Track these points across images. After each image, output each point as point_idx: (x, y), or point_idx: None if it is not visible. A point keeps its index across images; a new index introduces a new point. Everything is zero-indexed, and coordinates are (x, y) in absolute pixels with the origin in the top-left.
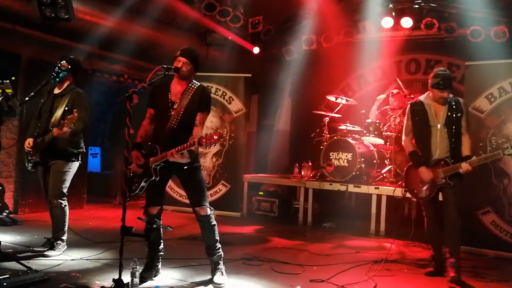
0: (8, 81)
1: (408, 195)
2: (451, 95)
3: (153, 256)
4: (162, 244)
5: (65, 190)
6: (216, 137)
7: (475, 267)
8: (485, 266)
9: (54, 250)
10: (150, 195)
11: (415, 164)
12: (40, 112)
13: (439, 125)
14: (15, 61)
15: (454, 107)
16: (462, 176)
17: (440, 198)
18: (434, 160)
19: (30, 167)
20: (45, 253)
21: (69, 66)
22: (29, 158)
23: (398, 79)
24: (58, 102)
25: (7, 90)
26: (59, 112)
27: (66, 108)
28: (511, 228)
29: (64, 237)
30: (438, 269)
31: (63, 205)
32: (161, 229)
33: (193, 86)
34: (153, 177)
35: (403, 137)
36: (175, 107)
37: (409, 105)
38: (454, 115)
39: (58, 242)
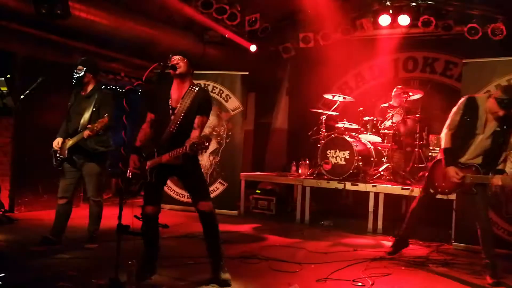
0: (3, 79)
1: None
2: None
3: (150, 255)
4: (159, 242)
5: (101, 188)
6: (208, 143)
7: (473, 264)
8: (480, 263)
9: (95, 242)
10: (147, 194)
11: (447, 162)
12: (69, 114)
13: (484, 135)
14: (10, 59)
15: (505, 120)
16: (486, 186)
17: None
18: (465, 164)
19: (56, 165)
20: (86, 245)
21: (84, 68)
22: (57, 156)
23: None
24: (85, 103)
25: (2, 88)
26: (87, 114)
27: (94, 109)
28: (508, 225)
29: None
30: (399, 245)
31: (101, 201)
32: (159, 228)
33: (193, 89)
34: (148, 180)
35: (445, 130)
36: (174, 112)
37: (465, 99)
38: (502, 129)
39: (96, 234)
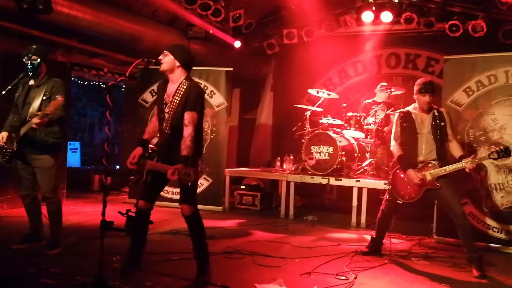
0: None
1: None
2: (435, 107)
3: (136, 250)
4: (146, 239)
5: (56, 184)
6: (192, 177)
7: (453, 257)
8: (463, 257)
9: (56, 247)
10: (143, 190)
11: (403, 167)
12: (16, 106)
13: (424, 131)
14: None
15: (437, 116)
16: (448, 177)
17: None
18: (421, 163)
19: (4, 162)
20: (47, 252)
21: (39, 58)
22: (4, 151)
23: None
24: (34, 93)
25: None
26: (37, 102)
27: (44, 98)
28: (488, 219)
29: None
30: (373, 250)
31: (57, 199)
32: (148, 224)
33: (183, 85)
34: (143, 179)
35: (392, 142)
36: (166, 110)
37: (397, 113)
38: (438, 123)
39: (57, 238)
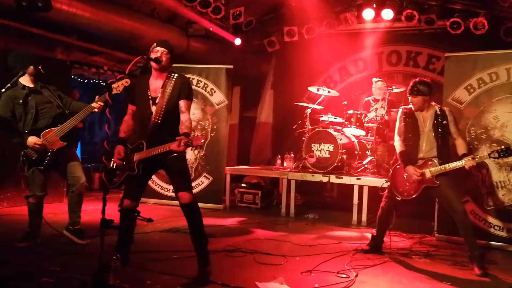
0: None
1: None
2: (437, 106)
3: (121, 248)
4: (133, 237)
5: None
6: (203, 140)
7: (454, 255)
8: (465, 255)
9: (84, 236)
10: (129, 188)
11: (405, 162)
12: (36, 110)
13: (426, 129)
14: None
15: (440, 115)
16: (448, 175)
17: None
18: (421, 160)
19: (43, 166)
20: (80, 242)
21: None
22: (47, 154)
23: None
24: (44, 93)
25: None
26: (57, 100)
27: (57, 95)
28: (489, 217)
29: None
30: (374, 248)
31: None
32: (135, 220)
33: (172, 78)
34: (135, 172)
35: (396, 138)
36: (156, 102)
37: (401, 109)
38: (440, 122)
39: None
